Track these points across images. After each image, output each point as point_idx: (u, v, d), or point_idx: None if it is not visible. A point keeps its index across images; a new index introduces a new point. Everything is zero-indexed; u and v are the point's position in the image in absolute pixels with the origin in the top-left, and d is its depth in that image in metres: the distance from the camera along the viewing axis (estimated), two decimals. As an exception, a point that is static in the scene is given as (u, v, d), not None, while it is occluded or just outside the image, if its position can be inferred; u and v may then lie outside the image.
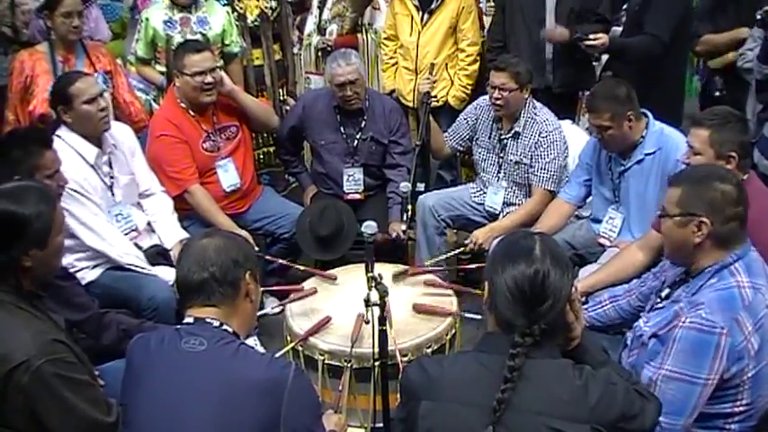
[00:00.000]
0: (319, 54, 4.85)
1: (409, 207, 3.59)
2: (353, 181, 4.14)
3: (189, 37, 4.19)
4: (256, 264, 2.05)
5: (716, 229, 2.15)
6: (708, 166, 2.57)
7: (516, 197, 3.93)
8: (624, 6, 4.50)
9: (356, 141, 4.10)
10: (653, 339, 2.23)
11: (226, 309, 1.94)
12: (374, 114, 4.11)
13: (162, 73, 4.35)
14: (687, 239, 2.20)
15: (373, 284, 2.40)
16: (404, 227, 3.70)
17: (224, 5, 4.48)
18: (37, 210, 2.05)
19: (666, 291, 2.37)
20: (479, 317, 2.97)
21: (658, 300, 2.38)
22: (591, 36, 4.05)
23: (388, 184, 4.13)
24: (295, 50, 4.90)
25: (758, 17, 3.91)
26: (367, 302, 2.43)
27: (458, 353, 2.86)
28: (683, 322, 2.09)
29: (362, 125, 4.09)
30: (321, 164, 4.21)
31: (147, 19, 4.29)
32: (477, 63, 4.58)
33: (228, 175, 3.87)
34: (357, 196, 4.16)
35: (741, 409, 2.15)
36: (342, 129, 4.10)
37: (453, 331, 3.01)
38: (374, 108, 4.12)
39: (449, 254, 3.95)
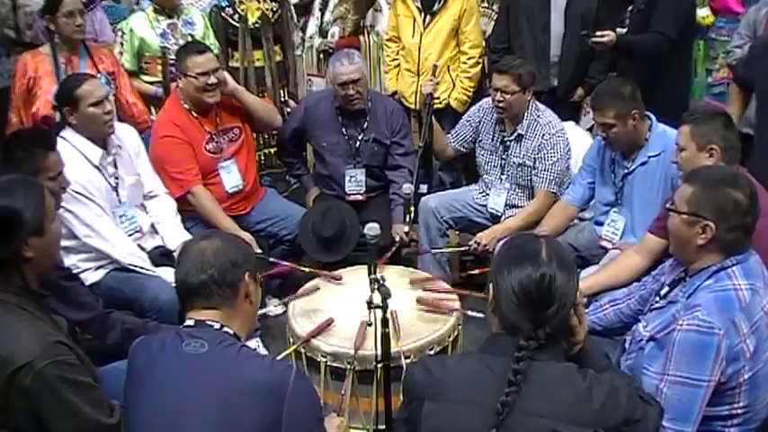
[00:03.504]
0: (321, 56, 4.86)
1: (412, 209, 3.59)
2: (355, 182, 4.14)
3: (181, 42, 4.22)
4: (255, 264, 2.04)
5: (720, 234, 2.16)
6: (725, 169, 2.56)
7: (519, 199, 3.92)
8: (629, 8, 4.49)
9: (358, 142, 4.10)
10: (650, 343, 2.23)
11: (226, 310, 1.94)
12: (376, 115, 4.11)
13: (151, 83, 4.36)
14: (691, 239, 2.20)
15: (376, 286, 2.39)
16: (406, 228, 3.69)
17: (226, 6, 4.50)
18: (27, 199, 2.07)
19: (665, 290, 2.37)
20: (482, 315, 2.96)
21: (657, 299, 2.39)
22: (598, 33, 4.05)
23: (390, 185, 4.14)
24: (298, 52, 4.91)
25: None
26: (369, 304, 2.43)
27: (462, 354, 2.85)
28: (681, 325, 2.09)
29: (365, 126, 4.09)
30: (323, 165, 4.21)
31: (131, 30, 4.30)
32: (480, 65, 4.58)
33: (231, 177, 3.87)
34: (359, 197, 4.15)
35: (739, 411, 2.15)
36: (344, 130, 4.10)
37: (456, 333, 3.00)
38: (376, 109, 4.12)
39: (452, 249, 3.99)
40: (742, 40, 4.16)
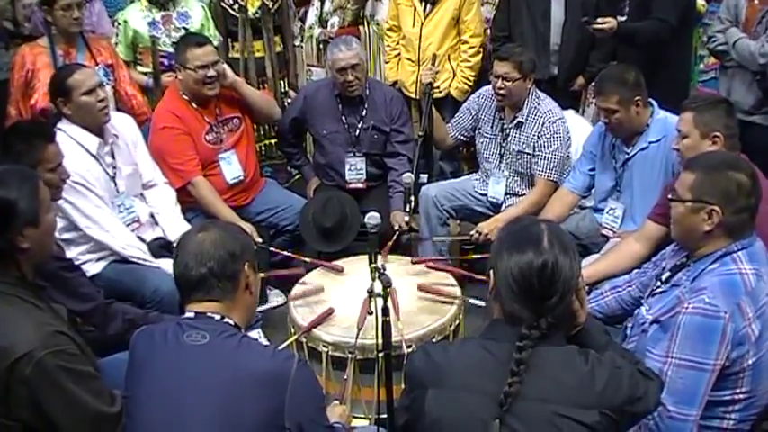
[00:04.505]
0: (321, 46, 4.83)
1: (412, 198, 3.58)
2: (355, 170, 4.14)
3: (173, 34, 4.22)
4: (254, 254, 2.04)
5: (726, 218, 2.15)
6: (723, 153, 2.57)
7: (519, 187, 3.91)
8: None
9: (358, 130, 4.10)
10: (654, 325, 2.22)
11: (226, 302, 1.94)
12: (375, 103, 4.10)
13: (145, 74, 4.34)
14: (697, 226, 2.19)
15: (377, 275, 2.39)
16: (407, 218, 3.69)
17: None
18: (21, 190, 2.06)
19: (667, 274, 2.36)
20: (483, 303, 2.96)
21: (659, 284, 2.38)
22: (599, 20, 4.02)
23: (390, 172, 4.13)
24: (297, 42, 4.89)
25: None
26: (370, 293, 2.42)
27: (463, 339, 2.84)
28: (686, 308, 2.08)
29: (364, 114, 4.08)
30: (323, 154, 4.20)
31: (125, 21, 4.30)
32: (480, 55, 4.56)
33: (231, 168, 3.86)
34: (359, 186, 4.15)
35: (741, 396, 2.15)
36: (343, 118, 4.09)
37: (457, 322, 3.00)
38: (375, 97, 4.11)
39: (453, 237, 3.99)
40: (723, 25, 4.09)
